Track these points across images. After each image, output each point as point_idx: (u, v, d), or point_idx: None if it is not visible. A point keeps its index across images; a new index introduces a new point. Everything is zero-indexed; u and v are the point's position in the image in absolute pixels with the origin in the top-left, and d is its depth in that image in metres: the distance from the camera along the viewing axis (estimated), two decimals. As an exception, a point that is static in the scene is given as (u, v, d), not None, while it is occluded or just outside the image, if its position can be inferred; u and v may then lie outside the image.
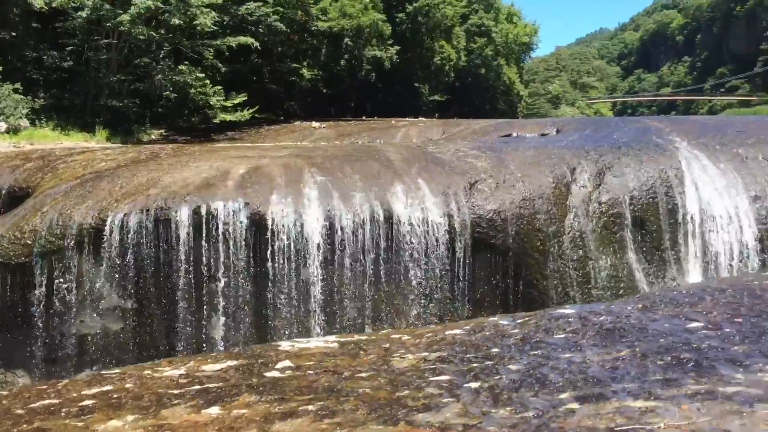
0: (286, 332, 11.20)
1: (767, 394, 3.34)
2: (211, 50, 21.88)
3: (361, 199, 12.02)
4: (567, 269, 13.65)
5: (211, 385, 4.46)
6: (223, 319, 10.94)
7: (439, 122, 25.12)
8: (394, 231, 12.14)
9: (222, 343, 10.90)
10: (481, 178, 13.64)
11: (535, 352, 4.69)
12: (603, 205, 14.45)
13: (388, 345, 5.37)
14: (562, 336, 5.11)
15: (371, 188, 12.36)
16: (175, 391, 4.37)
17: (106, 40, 20.88)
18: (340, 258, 11.64)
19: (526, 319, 5.98)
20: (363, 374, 4.49)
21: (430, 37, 38.72)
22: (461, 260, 12.81)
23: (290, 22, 26.19)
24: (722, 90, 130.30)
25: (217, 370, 4.88)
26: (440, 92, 48.74)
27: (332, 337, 5.84)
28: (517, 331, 5.50)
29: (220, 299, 10.92)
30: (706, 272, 14.45)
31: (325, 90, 36.54)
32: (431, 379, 4.26)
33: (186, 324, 10.92)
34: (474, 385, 3.98)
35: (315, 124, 24.16)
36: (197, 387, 4.47)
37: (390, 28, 30.68)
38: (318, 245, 11.39)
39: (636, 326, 5.06)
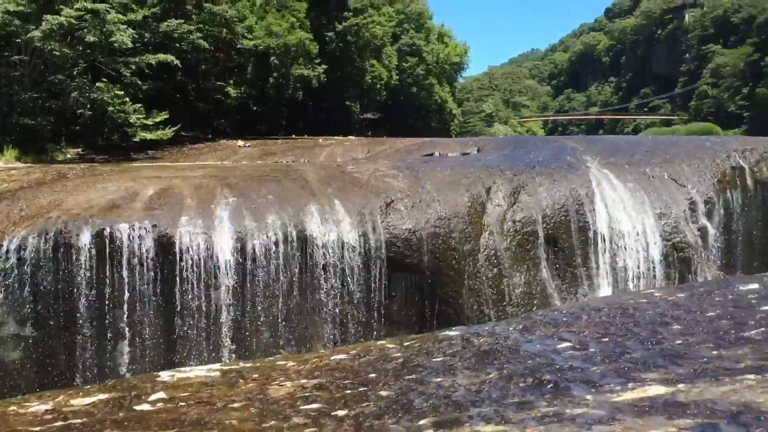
0: (195, 358, 10.93)
1: (609, 415, 3.45)
2: (132, 67, 21.36)
3: (275, 220, 11.91)
4: (482, 287, 13.88)
5: (75, 421, 4.29)
6: (128, 347, 10.58)
7: (365, 141, 25.25)
8: (308, 251, 12.07)
9: (127, 371, 10.54)
10: (397, 198, 13.75)
11: (410, 377, 4.71)
12: (517, 224, 14.80)
13: (270, 372, 5.30)
14: (440, 359, 5.15)
15: (285, 209, 12.27)
16: (36, 429, 4.18)
17: (18, 56, 20.13)
18: (251, 280, 11.48)
19: (413, 342, 6.01)
20: (236, 404, 4.41)
21: (361, 56, 39.05)
22: (377, 280, 12.84)
23: (215, 40, 25.96)
24: (646, 109, 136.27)
25: (86, 405, 4.70)
26: (373, 110, 49.07)
27: (216, 365, 5.72)
28: (399, 354, 5.51)
29: (125, 326, 10.56)
30: (616, 287, 14.97)
31: (255, 108, 36.24)
32: (302, 407, 4.22)
33: (88, 352, 10.51)
34: (341, 413, 3.96)
35: (240, 142, 23.91)
36: (60, 423, 4.29)
37: (318, 47, 30.76)
38: (228, 268, 11.19)
39: (511, 348, 5.15)
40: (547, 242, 14.86)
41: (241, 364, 5.89)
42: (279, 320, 11.81)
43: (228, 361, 10.49)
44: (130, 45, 19.97)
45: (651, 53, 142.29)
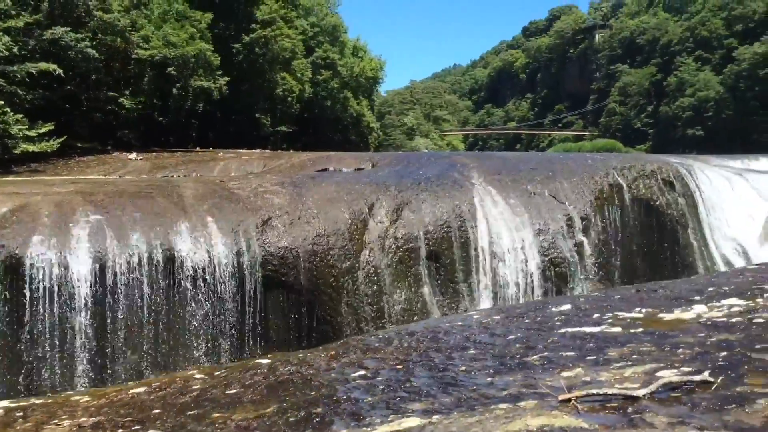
0: (48, 384, 10.36)
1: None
2: (12, 76, 20.26)
3: (139, 239, 11.48)
4: (361, 304, 13.85)
5: None
6: (-32, 375, 9.91)
7: (264, 155, 24.92)
8: (176, 271, 11.70)
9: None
10: (275, 215, 13.56)
11: (192, 412, 4.55)
12: (399, 240, 14.89)
13: (57, 410, 5.02)
14: (235, 391, 5.02)
15: (153, 227, 11.85)
16: None
17: None
18: (112, 302, 11.00)
19: (223, 371, 5.84)
20: (-1, 446, 4.13)
21: (270, 69, 38.66)
22: (251, 298, 12.58)
23: (109, 49, 24.98)
24: (560, 125, 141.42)
25: None
26: (287, 123, 48.55)
27: (5, 402, 5.37)
28: (199, 386, 5.34)
29: (-35, 352, 9.89)
30: (496, 302, 15.28)
31: (161, 119, 35.19)
32: (65, 449, 3.98)
33: None
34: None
35: (132, 155, 23.10)
36: None
37: (219, 58, 30.16)
38: (84, 289, 10.68)
39: (307, 377, 5.06)
40: (429, 258, 15.03)
41: (32, 400, 5.56)
42: (143, 342, 11.36)
43: (49, 393, 9.99)
44: (5, 53, 18.94)
45: (564, 71, 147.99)
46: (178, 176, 19.12)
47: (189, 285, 11.80)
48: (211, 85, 29.25)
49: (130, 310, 11.22)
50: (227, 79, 31.04)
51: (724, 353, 4.50)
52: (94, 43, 24.38)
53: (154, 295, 11.45)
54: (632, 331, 5.32)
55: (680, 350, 4.68)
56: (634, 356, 4.61)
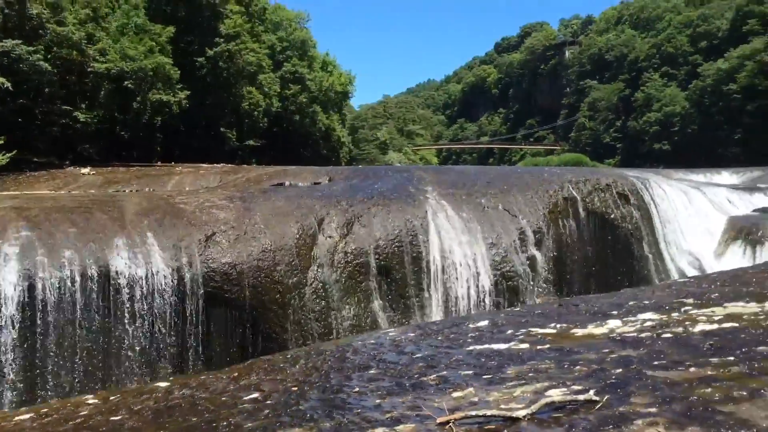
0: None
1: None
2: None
3: (72, 256, 11.14)
4: (308, 321, 13.61)
5: None
6: None
7: (221, 169, 24.62)
8: (112, 288, 11.37)
9: None
10: (220, 230, 13.30)
11: (68, 439, 4.29)
12: (349, 255, 14.69)
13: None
14: (119, 418, 4.76)
15: (88, 243, 11.52)
16: None
17: None
18: (43, 320, 10.63)
19: (118, 396, 5.58)
20: None
21: (236, 83, 38.37)
22: (193, 316, 12.27)
23: (64, 63, 24.52)
24: (531, 139, 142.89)
25: None
26: (254, 137, 48.30)
27: None
28: (86, 412, 5.08)
29: None
30: (448, 316, 15.12)
31: (123, 133, 34.68)
32: None
33: None
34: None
35: (84, 170, 22.63)
36: None
37: (179, 72, 29.80)
38: (12, 307, 10.30)
39: (196, 402, 4.84)
40: (379, 273, 14.85)
41: None
42: (77, 360, 10.99)
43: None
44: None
45: (536, 86, 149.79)
46: (129, 191, 18.75)
47: (126, 303, 11.47)
48: (170, 98, 28.89)
49: (61, 327, 10.85)
50: (187, 92, 30.72)
51: (620, 370, 4.39)
52: (49, 56, 23.94)
53: (88, 314, 11.09)
54: (539, 347, 5.19)
55: (578, 367, 4.56)
56: (531, 374, 4.48)
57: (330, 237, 14.59)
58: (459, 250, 15.59)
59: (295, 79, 51.92)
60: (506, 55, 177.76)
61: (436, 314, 14.92)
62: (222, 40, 35.41)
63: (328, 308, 13.74)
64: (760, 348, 4.68)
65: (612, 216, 19.32)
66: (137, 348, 11.63)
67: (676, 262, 21.24)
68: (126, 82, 27.45)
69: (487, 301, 15.20)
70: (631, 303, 6.65)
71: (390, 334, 6.48)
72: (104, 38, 27.17)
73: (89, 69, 26.45)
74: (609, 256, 19.16)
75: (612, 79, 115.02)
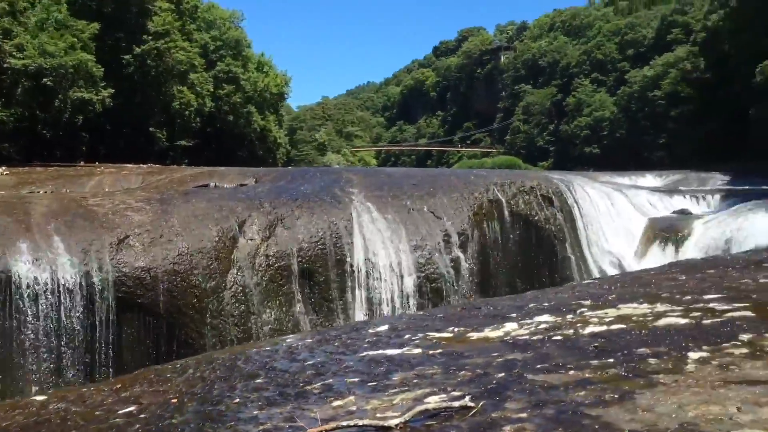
0: None
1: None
2: None
3: (-31, 261, 10.53)
4: (227, 326, 13.29)
5: None
6: None
7: (144, 170, 23.89)
8: (12, 293, 10.81)
9: None
10: (134, 233, 12.84)
11: None
12: (271, 258, 14.45)
13: None
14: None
15: (-13, 247, 10.93)
16: None
17: None
18: (-66, 330, 10.01)
19: (-10, 409, 5.24)
20: None
21: (165, 81, 37.36)
22: (103, 322, 11.79)
23: (-24, 58, 23.44)
24: (468, 142, 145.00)
25: None
26: (187, 137, 47.20)
27: None
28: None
29: None
30: (372, 319, 15.08)
31: (45, 132, 33.25)
32: None
33: None
34: None
35: (-3, 170, 21.55)
36: None
37: (102, 69, 28.77)
38: None
39: (67, 417, 4.59)
40: (302, 276, 14.66)
41: None
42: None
43: None
44: None
45: (473, 90, 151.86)
46: (43, 192, 17.93)
47: (28, 308, 10.93)
48: (93, 96, 27.85)
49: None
50: (111, 91, 29.70)
51: (502, 375, 4.39)
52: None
53: (-14, 321, 10.50)
54: (431, 352, 5.16)
55: (463, 372, 4.54)
56: (415, 381, 4.42)
57: (251, 240, 14.32)
58: (383, 252, 15.57)
59: (229, 78, 51.00)
60: (444, 59, 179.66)
61: (359, 317, 14.83)
62: (150, 37, 34.42)
63: (248, 312, 13.48)
64: (641, 350, 4.76)
65: (536, 218, 19.72)
66: (41, 357, 11.10)
67: (598, 262, 21.86)
68: (45, 80, 26.29)
69: (411, 302, 15.23)
70: (531, 305, 6.72)
71: (288, 340, 6.34)
72: (22, 33, 25.95)
73: (5, 65, 25.23)
74: (533, 257, 19.54)
75: (545, 84, 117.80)
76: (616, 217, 25.45)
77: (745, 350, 4.58)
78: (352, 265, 15.13)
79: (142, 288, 12.18)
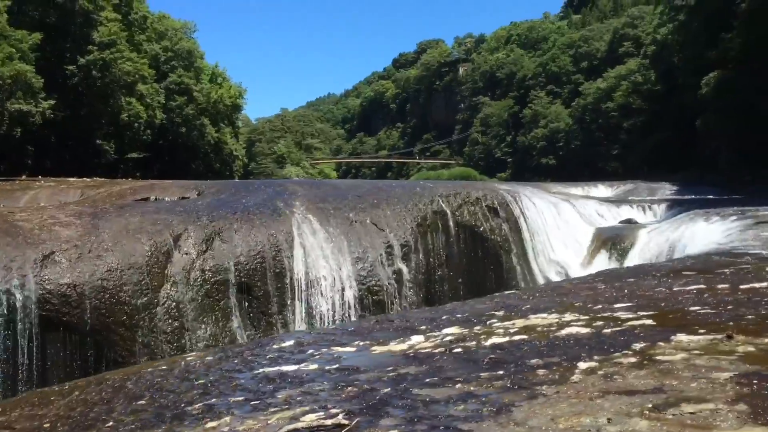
0: None
1: None
2: None
3: None
4: (159, 343, 12.93)
5: None
6: None
7: (85, 183, 23.30)
8: (-75, 315, 10.31)
9: None
10: (60, 249, 12.42)
11: None
12: (207, 273, 14.12)
13: None
14: None
15: None
16: None
17: None
18: None
19: None
20: None
21: (113, 93, 36.59)
22: (25, 341, 11.36)
23: None
24: (428, 154, 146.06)
25: None
26: (137, 150, 46.35)
27: None
28: None
29: None
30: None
31: (-14, 145, 32.26)
32: None
33: None
34: None
35: (-74, 185, 20.70)
36: None
37: (42, 80, 28.05)
38: None
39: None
40: (240, 290, 14.38)
41: None
42: None
43: None
44: None
45: (432, 102, 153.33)
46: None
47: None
48: (32, 108, 27.10)
49: None
50: (52, 102, 28.95)
51: (388, 390, 4.28)
52: None
53: None
54: (327, 368, 5.02)
55: (351, 388, 4.41)
56: (299, 398, 4.28)
57: (187, 254, 13.99)
58: (324, 264, 15.39)
59: (181, 90, 50.34)
60: (404, 71, 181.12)
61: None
62: (96, 48, 33.70)
63: (182, 329, 13.13)
64: (533, 361, 4.71)
65: (481, 229, 19.79)
66: (-44, 378, 10.60)
67: (544, 272, 22.02)
68: (-21, 91, 25.57)
69: (352, 315, 15.06)
70: (444, 317, 6.64)
71: (188, 358, 6.12)
72: (-44, 42, 25.20)
73: (-63, 75, 24.44)
74: (479, 267, 19.58)
75: (503, 96, 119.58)
76: (563, 227, 25.73)
77: (633, 359, 4.55)
78: (292, 279, 14.91)
79: (67, 305, 11.75)
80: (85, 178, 28.51)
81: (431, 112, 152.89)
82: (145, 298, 12.77)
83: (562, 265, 23.28)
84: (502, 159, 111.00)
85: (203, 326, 13.44)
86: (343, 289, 15.23)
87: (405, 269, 16.40)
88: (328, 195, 18.66)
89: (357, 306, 15.22)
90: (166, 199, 19.19)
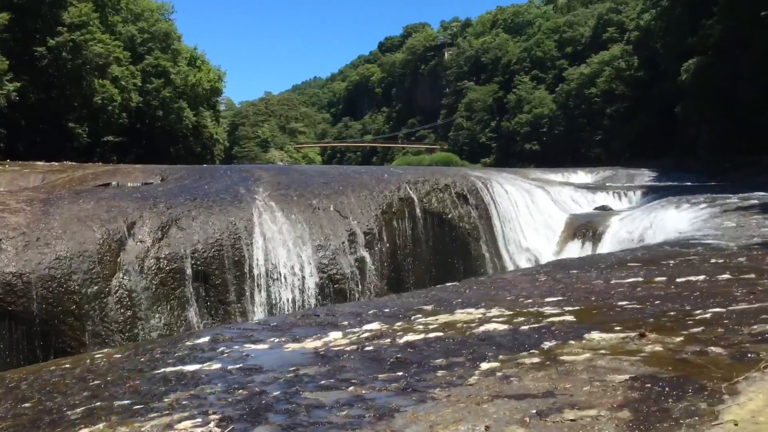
0: None
1: None
2: None
3: None
4: (110, 333, 12.68)
5: None
6: None
7: (48, 168, 22.82)
8: None
9: None
10: (6, 237, 12.10)
11: None
12: (162, 261, 13.84)
13: None
14: None
15: None
16: None
17: None
18: None
19: None
20: None
21: (86, 75, 35.90)
22: (-32, 333, 11.10)
23: None
24: (413, 138, 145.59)
25: None
26: (113, 133, 45.66)
27: None
28: None
29: None
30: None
31: (-48, 129, 31.65)
32: None
33: None
34: None
35: None
36: None
37: (6, 62, 27.39)
38: None
39: None
40: (196, 279, 14.12)
41: None
42: None
43: None
44: None
45: (417, 86, 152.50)
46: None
47: None
48: (-4, 91, 26.53)
49: None
50: (17, 84, 28.34)
51: (278, 392, 4.10)
52: None
53: None
54: (229, 368, 4.82)
55: (242, 391, 4.22)
56: (185, 402, 4.08)
57: (141, 242, 13.70)
58: (285, 253, 15.16)
59: (158, 72, 49.58)
60: (389, 55, 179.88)
61: (259, 319, 14.41)
62: (65, 29, 32.99)
63: (135, 318, 12.88)
64: (438, 360, 4.55)
65: (450, 216, 19.63)
66: None
67: (514, 259, 21.92)
68: (-61, 72, 24.94)
69: (312, 304, 14.87)
70: (371, 311, 6.46)
71: (96, 356, 5.90)
72: None
73: None
74: (447, 255, 19.43)
75: (487, 81, 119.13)
76: (536, 214, 25.65)
77: (537, 360, 4.40)
78: (251, 267, 14.68)
79: (13, 295, 11.46)
80: (53, 163, 28.00)
81: (416, 96, 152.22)
82: (96, 287, 12.50)
83: (534, 252, 23.21)
84: (487, 144, 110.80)
85: (157, 315, 13.19)
86: (303, 278, 15.03)
87: (368, 257, 16.21)
88: (294, 182, 18.39)
89: (318, 294, 15.04)
90: (129, 184, 18.83)
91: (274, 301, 14.68)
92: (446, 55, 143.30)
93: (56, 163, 28.28)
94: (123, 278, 13.00)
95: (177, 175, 19.65)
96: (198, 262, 14.03)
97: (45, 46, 32.59)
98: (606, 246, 22.77)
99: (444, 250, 19.25)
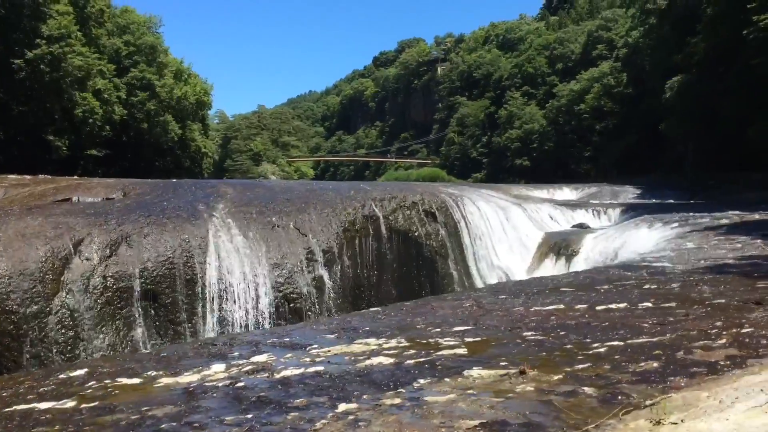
0: None
1: None
2: None
3: None
4: (50, 354, 12.33)
5: None
6: None
7: (11, 182, 22.48)
8: None
9: None
10: (-57, 254, 11.81)
11: None
12: (109, 279, 13.49)
13: None
14: None
15: None
16: None
17: None
18: None
19: None
20: None
21: (66, 88, 35.70)
22: None
23: None
24: (405, 153, 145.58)
25: None
26: (97, 147, 45.41)
27: None
28: None
29: None
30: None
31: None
32: None
33: None
34: None
35: None
36: None
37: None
38: None
39: None
40: (145, 298, 13.76)
41: None
42: None
43: None
44: None
45: (410, 101, 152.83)
46: None
47: None
48: (-34, 103, 26.23)
49: None
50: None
51: (164, 425, 3.78)
52: None
53: None
54: (81, 406, 4.49)
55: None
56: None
57: (87, 260, 13.36)
58: (239, 271, 14.83)
59: (143, 85, 49.42)
60: (384, 69, 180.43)
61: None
62: (44, 41, 32.81)
63: (77, 338, 12.52)
64: (298, 400, 4.27)
65: (416, 234, 19.34)
66: None
67: (485, 278, 21.60)
68: None
69: (266, 324, 14.52)
70: (270, 341, 6.15)
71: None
72: None
73: None
74: (413, 274, 19.13)
75: (479, 96, 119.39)
76: (510, 232, 25.40)
77: (398, 401, 4.11)
78: (204, 286, 14.34)
79: (-55, 314, 11.11)
80: (25, 176, 27.64)
81: (409, 111, 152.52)
82: (36, 307, 12.15)
83: (505, 270, 22.92)
84: (478, 159, 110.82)
85: (101, 336, 12.82)
86: (257, 297, 14.69)
87: (326, 276, 15.90)
88: (257, 198, 18.11)
89: (272, 314, 14.70)
90: (89, 200, 18.52)
91: (226, 321, 14.34)
92: (439, 70, 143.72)
93: (28, 177, 27.93)
94: (66, 297, 12.65)
95: (139, 190, 19.34)
96: (147, 281, 13.69)
97: (23, 59, 32.38)
98: (579, 264, 22.50)
99: (410, 268, 18.95)
